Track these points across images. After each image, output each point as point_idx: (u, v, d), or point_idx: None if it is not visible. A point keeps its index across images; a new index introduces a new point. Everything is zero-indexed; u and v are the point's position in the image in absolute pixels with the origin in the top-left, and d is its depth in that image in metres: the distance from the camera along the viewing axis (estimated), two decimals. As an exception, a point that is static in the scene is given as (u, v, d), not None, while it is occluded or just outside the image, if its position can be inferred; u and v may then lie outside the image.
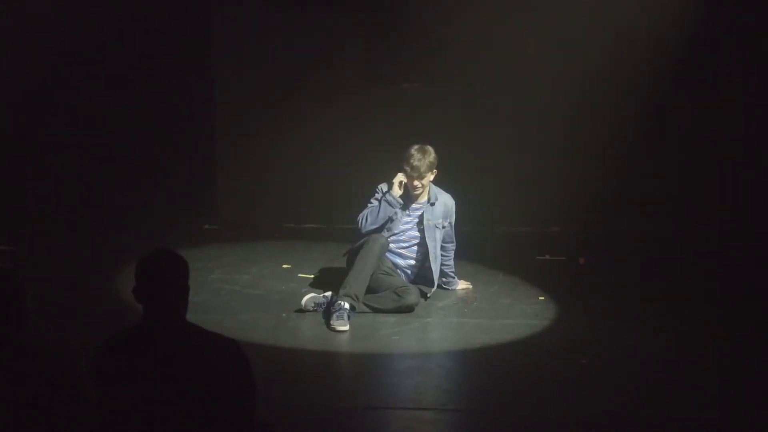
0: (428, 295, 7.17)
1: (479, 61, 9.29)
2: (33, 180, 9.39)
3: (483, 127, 9.39)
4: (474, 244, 8.17)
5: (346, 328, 6.50)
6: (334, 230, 9.14)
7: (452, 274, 7.43)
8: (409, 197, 7.10)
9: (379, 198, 7.04)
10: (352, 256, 6.96)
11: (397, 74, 9.46)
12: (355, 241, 7.11)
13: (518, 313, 6.99)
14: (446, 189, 7.26)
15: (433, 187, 7.16)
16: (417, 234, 7.19)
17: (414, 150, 6.97)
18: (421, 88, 9.47)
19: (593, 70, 9.10)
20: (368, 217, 6.99)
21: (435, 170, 7.04)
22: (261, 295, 7.26)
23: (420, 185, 7.02)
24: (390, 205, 6.98)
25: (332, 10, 9.44)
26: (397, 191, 6.99)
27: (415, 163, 6.93)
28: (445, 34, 9.26)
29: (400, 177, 7.00)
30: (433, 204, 7.14)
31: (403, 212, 7.11)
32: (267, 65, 9.50)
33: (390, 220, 7.07)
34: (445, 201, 7.22)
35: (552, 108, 9.25)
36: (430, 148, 7.01)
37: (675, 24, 8.94)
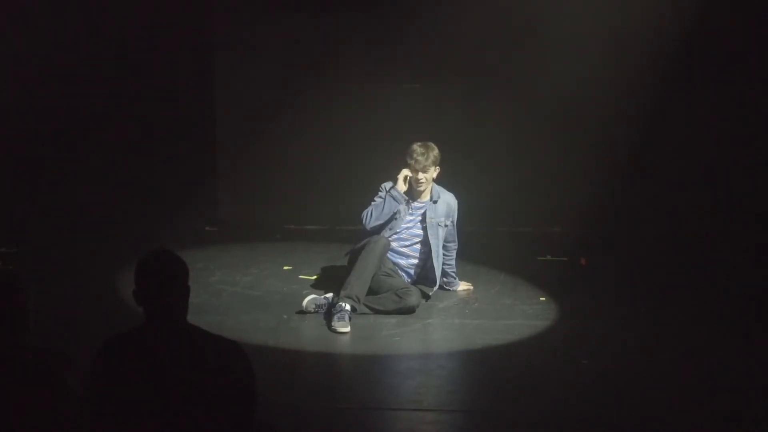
0: (430, 295, 7.17)
1: (480, 61, 9.30)
2: (34, 181, 9.38)
3: (484, 127, 9.39)
4: (475, 244, 8.18)
5: (348, 329, 6.49)
6: (335, 231, 9.14)
7: (453, 275, 7.43)
8: (412, 195, 7.09)
9: (382, 196, 7.05)
10: (354, 257, 6.96)
11: (399, 74, 9.45)
12: (356, 242, 7.10)
13: (519, 314, 6.99)
14: (448, 188, 7.26)
15: (435, 186, 7.17)
16: (419, 232, 7.19)
17: (417, 145, 7.03)
18: (422, 88, 9.46)
19: (595, 70, 9.10)
20: (373, 213, 6.99)
21: (438, 167, 7.05)
22: (262, 297, 7.26)
23: (424, 179, 7.03)
24: (395, 200, 6.99)
25: (333, 10, 9.44)
26: (402, 186, 7.00)
27: (419, 157, 6.97)
28: (446, 33, 9.26)
29: (405, 172, 7.03)
30: (435, 202, 7.15)
31: (407, 209, 7.11)
32: (267, 65, 9.50)
33: (394, 216, 7.07)
34: (448, 200, 7.22)
35: (554, 108, 9.26)
36: (432, 144, 7.06)
37: (675, 26, 8.94)
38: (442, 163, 7.07)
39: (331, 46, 9.45)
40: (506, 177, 9.36)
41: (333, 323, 6.51)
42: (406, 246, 7.22)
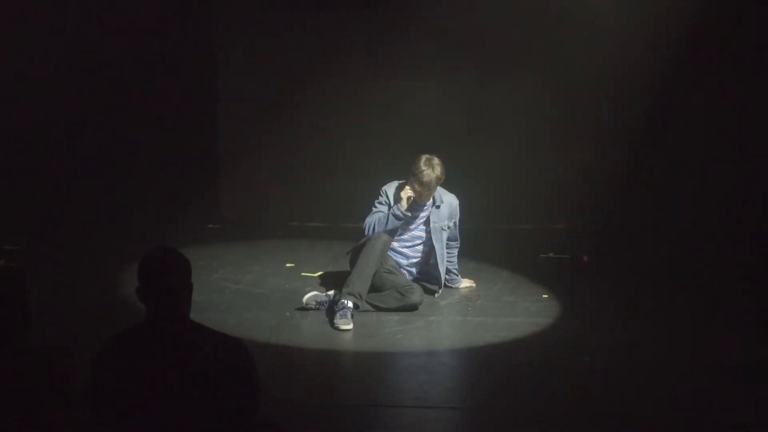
0: (436, 295, 7.19)
1: (481, 58, 9.30)
2: (36, 179, 9.38)
3: (486, 124, 9.39)
4: (477, 241, 8.17)
5: (350, 326, 6.49)
6: (338, 229, 9.14)
7: (456, 272, 7.44)
8: (415, 202, 7.06)
9: (383, 201, 7.02)
10: (355, 255, 6.96)
11: (400, 72, 9.45)
12: (357, 239, 7.10)
13: (522, 311, 6.99)
14: (449, 187, 7.24)
15: (438, 188, 7.13)
16: (421, 234, 7.19)
17: (423, 165, 6.90)
18: (423, 86, 9.46)
19: (596, 67, 9.10)
20: (375, 227, 6.94)
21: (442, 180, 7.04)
22: (264, 294, 7.26)
23: (428, 197, 7.04)
24: (397, 219, 6.96)
25: (334, 9, 9.44)
26: (405, 206, 6.95)
27: (425, 179, 6.90)
28: (447, 32, 9.27)
29: (409, 192, 6.95)
30: (438, 207, 7.13)
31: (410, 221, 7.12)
32: (269, 64, 9.50)
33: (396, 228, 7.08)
34: (450, 202, 7.20)
35: (555, 104, 9.26)
36: (437, 161, 6.93)
37: (677, 23, 8.93)
38: (444, 161, 7.03)
39: (332, 45, 9.44)
40: (508, 174, 9.35)
41: (335, 320, 6.52)
42: (407, 247, 7.22)
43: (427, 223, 7.15)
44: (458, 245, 7.38)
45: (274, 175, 9.65)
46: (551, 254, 8.59)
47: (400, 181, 7.08)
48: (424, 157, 6.95)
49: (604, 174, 9.21)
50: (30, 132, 9.33)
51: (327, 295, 6.83)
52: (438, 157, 6.98)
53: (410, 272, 7.26)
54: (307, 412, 5.12)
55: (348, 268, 6.96)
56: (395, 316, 6.75)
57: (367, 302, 6.77)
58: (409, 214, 7.00)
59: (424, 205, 7.12)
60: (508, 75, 9.24)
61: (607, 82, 9.15)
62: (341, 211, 9.27)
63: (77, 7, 9.18)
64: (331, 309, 6.68)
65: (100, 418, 3.48)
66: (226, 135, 9.71)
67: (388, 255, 7.07)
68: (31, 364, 3.45)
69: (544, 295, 7.37)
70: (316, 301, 6.80)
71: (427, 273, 7.29)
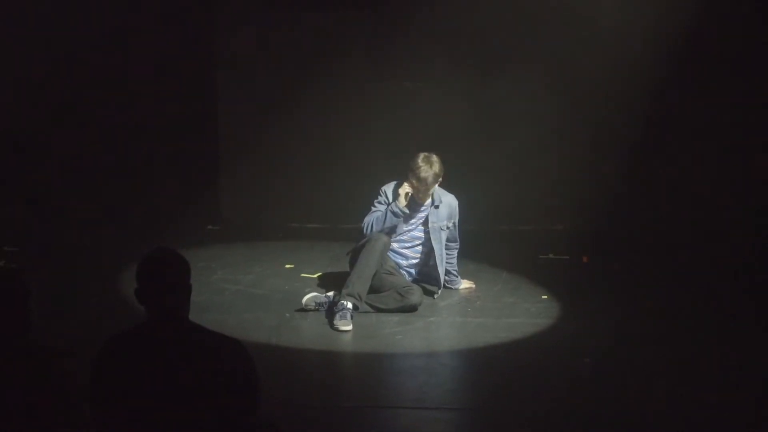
0: (436, 296, 7.17)
1: (482, 58, 9.29)
2: (36, 180, 9.38)
3: (486, 125, 9.38)
4: (477, 242, 8.16)
5: (350, 327, 6.49)
6: (337, 230, 9.13)
7: (455, 273, 7.43)
8: (413, 200, 7.06)
9: (382, 201, 7.02)
10: (355, 256, 6.95)
11: (401, 73, 9.44)
12: (357, 240, 7.10)
13: (522, 312, 6.98)
14: (449, 188, 7.24)
15: (437, 188, 7.12)
16: (420, 235, 7.18)
17: (420, 161, 6.92)
18: (423, 87, 9.45)
19: (597, 67, 9.10)
20: (373, 225, 6.94)
21: (440, 178, 7.03)
22: (264, 295, 7.26)
23: (426, 193, 7.02)
24: (395, 216, 6.95)
25: (334, 9, 9.43)
26: (403, 203, 6.95)
27: (422, 175, 6.90)
28: (448, 32, 9.26)
29: (407, 188, 6.96)
30: (437, 207, 7.12)
31: (409, 219, 7.11)
32: (269, 65, 9.49)
33: (395, 227, 7.07)
34: (449, 202, 7.20)
35: (555, 105, 9.25)
36: (435, 158, 6.96)
37: (678, 25, 8.93)
38: (444, 161, 7.03)
39: (332, 46, 9.43)
40: (508, 174, 9.35)
41: (335, 321, 6.51)
42: (406, 248, 7.22)
43: (425, 223, 7.15)
44: (458, 246, 7.37)
45: (274, 176, 9.64)
46: (551, 255, 8.59)
47: (400, 181, 7.08)
48: (422, 155, 6.97)
49: (605, 175, 9.21)
50: (29, 132, 9.32)
51: (326, 296, 6.82)
52: (437, 154, 6.99)
53: (410, 273, 7.25)
54: (307, 413, 5.12)
55: (347, 269, 6.96)
56: (395, 317, 6.74)
57: (367, 303, 6.77)
58: (407, 211, 6.99)
59: (423, 204, 7.12)
60: (509, 75, 9.23)
61: (607, 82, 9.14)
62: (341, 212, 9.26)
63: (77, 7, 9.17)
64: (331, 310, 6.67)
65: (100, 418, 3.48)
66: (226, 135, 9.70)
67: (388, 256, 7.06)
68: (31, 364, 3.45)
69: (543, 296, 7.37)
70: (316, 302, 6.79)
71: (426, 274, 7.29)
